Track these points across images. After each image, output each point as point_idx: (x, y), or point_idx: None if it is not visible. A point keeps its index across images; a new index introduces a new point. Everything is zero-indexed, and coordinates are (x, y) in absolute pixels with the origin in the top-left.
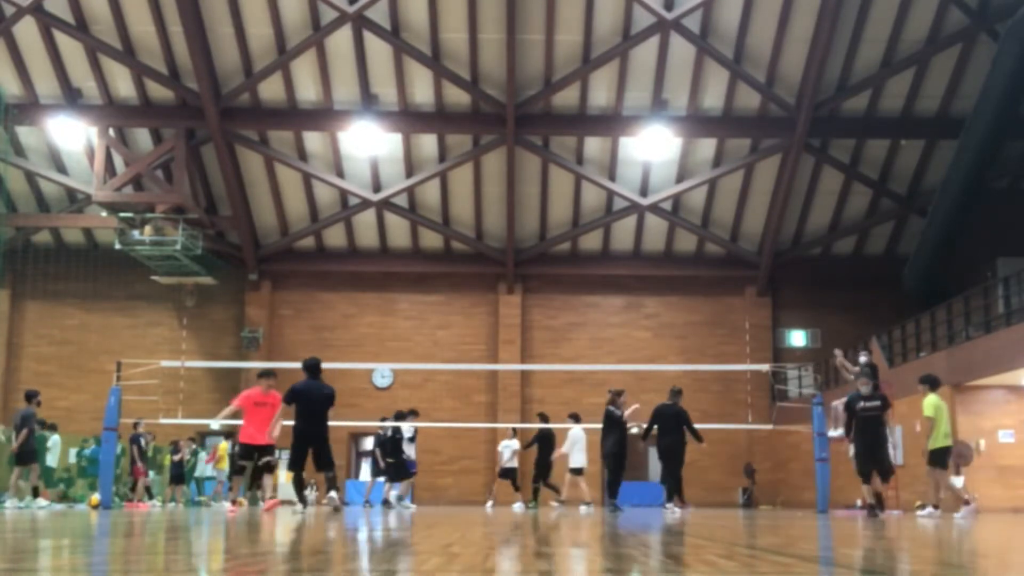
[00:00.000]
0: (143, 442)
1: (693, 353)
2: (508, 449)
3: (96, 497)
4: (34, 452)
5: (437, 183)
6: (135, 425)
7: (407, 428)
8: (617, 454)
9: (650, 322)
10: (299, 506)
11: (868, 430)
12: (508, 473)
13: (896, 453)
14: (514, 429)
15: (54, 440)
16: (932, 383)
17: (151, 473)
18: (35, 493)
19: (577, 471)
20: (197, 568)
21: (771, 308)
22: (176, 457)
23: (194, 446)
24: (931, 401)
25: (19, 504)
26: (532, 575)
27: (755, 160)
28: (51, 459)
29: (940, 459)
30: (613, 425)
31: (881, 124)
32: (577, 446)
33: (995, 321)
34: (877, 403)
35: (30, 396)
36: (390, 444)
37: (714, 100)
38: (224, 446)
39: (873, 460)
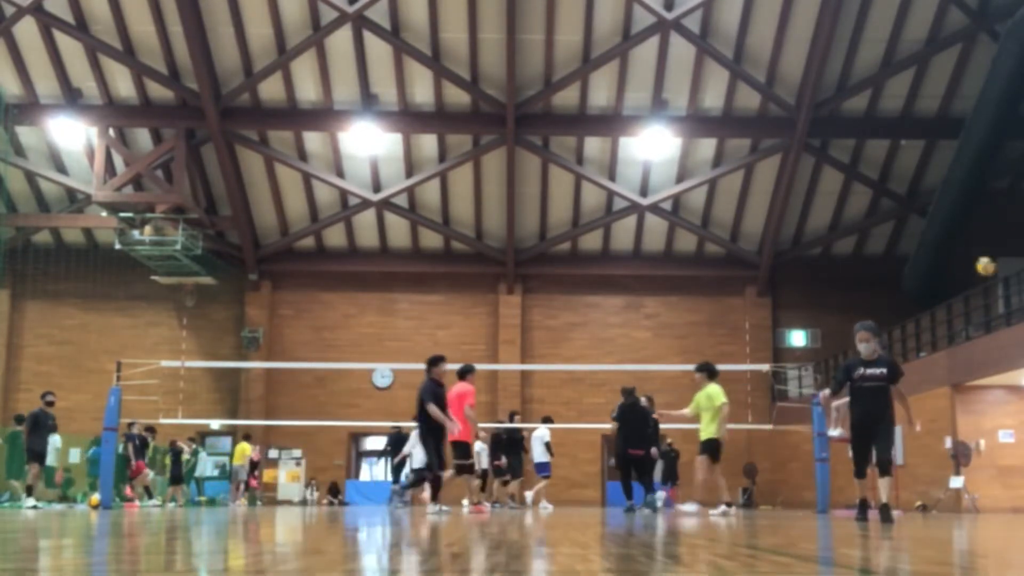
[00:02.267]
0: (137, 443)
1: (693, 353)
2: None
3: (96, 497)
4: (33, 452)
5: (437, 183)
6: (129, 425)
7: (544, 431)
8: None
9: (650, 322)
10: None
11: (865, 404)
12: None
13: (896, 453)
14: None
15: (54, 440)
16: (711, 371)
17: (151, 473)
18: (28, 492)
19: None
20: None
21: (771, 308)
22: (186, 456)
23: (194, 446)
24: (716, 391)
25: (24, 504)
26: (532, 575)
27: (755, 160)
28: (50, 459)
29: (713, 450)
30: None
31: (881, 124)
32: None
33: (995, 321)
34: (881, 370)
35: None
36: (507, 444)
37: (714, 100)
38: (246, 446)
39: (869, 445)
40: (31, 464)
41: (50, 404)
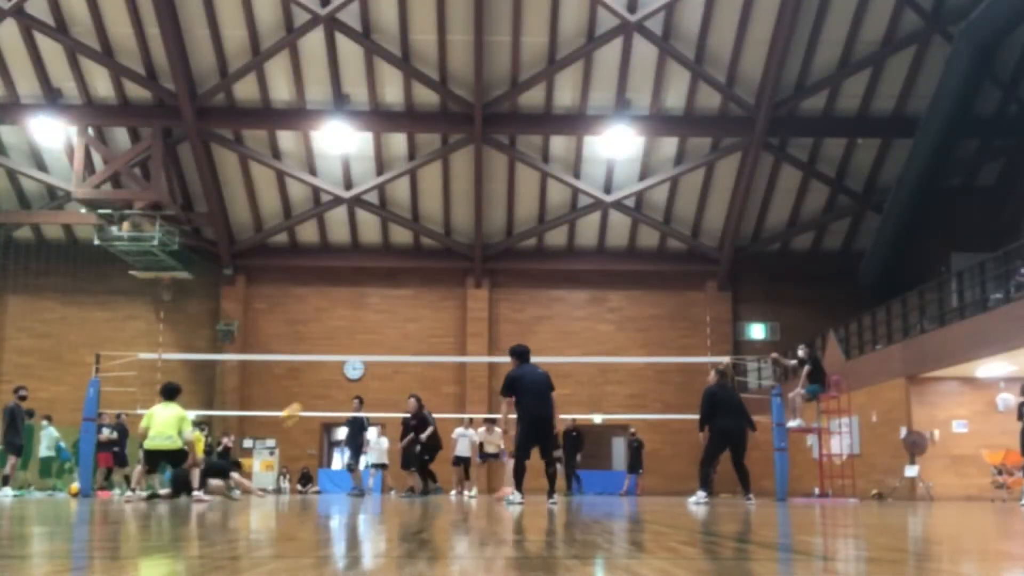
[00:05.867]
0: (107, 432)
1: (655, 346)
2: (464, 439)
3: (75, 486)
4: (11, 444)
5: (407, 181)
6: (98, 416)
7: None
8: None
9: (614, 315)
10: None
11: None
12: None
13: (853, 443)
14: (470, 419)
15: (48, 431)
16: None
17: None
18: (4, 481)
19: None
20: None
21: (731, 302)
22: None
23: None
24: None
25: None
26: (499, 561)
27: (716, 158)
28: (44, 449)
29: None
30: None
31: (838, 123)
32: None
33: (949, 315)
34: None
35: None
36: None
37: (676, 100)
38: (198, 435)
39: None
40: (10, 456)
41: (23, 399)
